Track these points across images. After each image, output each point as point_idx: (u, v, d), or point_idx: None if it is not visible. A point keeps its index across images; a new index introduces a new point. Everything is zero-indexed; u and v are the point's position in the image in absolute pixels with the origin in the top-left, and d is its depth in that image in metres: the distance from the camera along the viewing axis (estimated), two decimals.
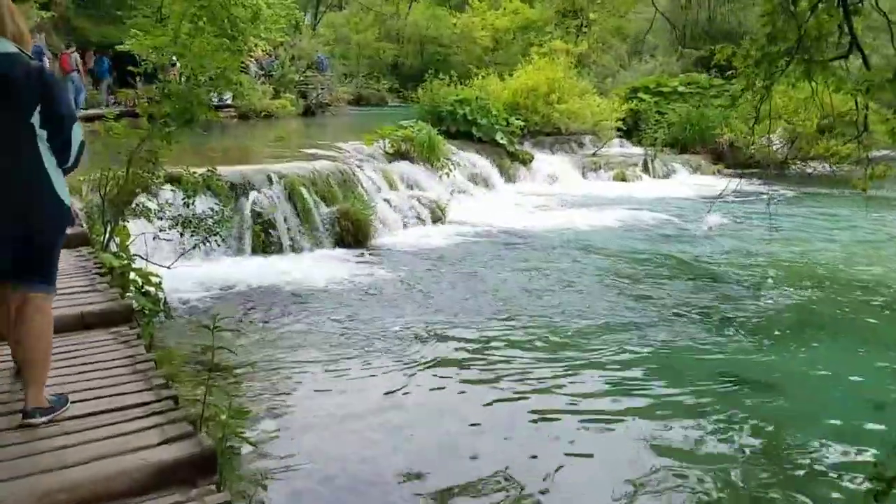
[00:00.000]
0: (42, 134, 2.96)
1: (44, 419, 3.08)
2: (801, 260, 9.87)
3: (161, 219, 7.50)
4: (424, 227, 11.67)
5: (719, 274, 9.14)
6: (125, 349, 4.12)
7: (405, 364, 6.03)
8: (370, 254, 10.08)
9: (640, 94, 20.51)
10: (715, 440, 4.84)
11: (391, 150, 13.99)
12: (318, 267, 9.22)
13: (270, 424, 4.77)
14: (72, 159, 3.09)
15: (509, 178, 16.19)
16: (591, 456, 4.64)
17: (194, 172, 7.96)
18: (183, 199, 7.79)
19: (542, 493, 4.13)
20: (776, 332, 6.96)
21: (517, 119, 17.33)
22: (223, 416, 3.18)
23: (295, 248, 9.88)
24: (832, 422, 5.17)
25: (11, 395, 3.39)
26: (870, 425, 5.14)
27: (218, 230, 7.69)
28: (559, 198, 14.55)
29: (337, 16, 42.55)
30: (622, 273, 9.11)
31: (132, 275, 6.36)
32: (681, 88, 20.68)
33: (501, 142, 16.68)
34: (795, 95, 16.07)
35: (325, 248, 10.19)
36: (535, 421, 5.08)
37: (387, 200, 11.71)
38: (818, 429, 5.01)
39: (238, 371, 5.69)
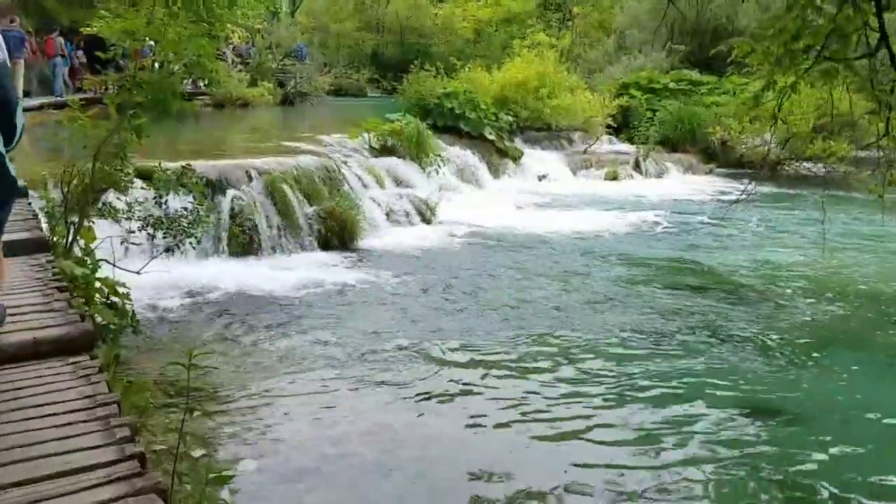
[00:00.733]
0: None
1: None
2: (814, 267, 9.40)
3: (130, 219, 6.81)
4: (414, 227, 11.07)
5: (728, 282, 8.67)
6: (84, 386, 3.46)
7: (398, 387, 5.44)
8: (357, 257, 9.46)
9: (631, 91, 20.05)
10: (732, 476, 4.31)
11: (377, 145, 13.35)
12: (301, 271, 8.58)
13: (252, 470, 4.13)
14: (15, 142, 3.12)
15: (498, 174, 15.63)
16: (591, 492, 4.08)
17: (167, 169, 7.26)
18: (154, 198, 7.09)
19: None
20: (797, 351, 6.46)
21: (507, 114, 16.75)
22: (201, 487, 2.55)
23: (276, 251, 9.22)
24: (862, 456, 4.66)
25: None
26: None
27: (193, 231, 7.01)
28: (551, 196, 14.02)
29: (316, 3, 41.62)
30: (624, 280, 8.60)
31: (97, 284, 5.69)
32: (672, 85, 20.26)
33: (490, 137, 16.10)
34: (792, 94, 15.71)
35: (308, 251, 9.54)
36: (537, 450, 4.56)
37: (374, 199, 11.07)
38: (846, 464, 4.51)
39: (215, 397, 5.06)
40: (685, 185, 15.67)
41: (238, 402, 5.00)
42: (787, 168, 16.86)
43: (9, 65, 3.61)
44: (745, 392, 5.55)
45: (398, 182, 12.27)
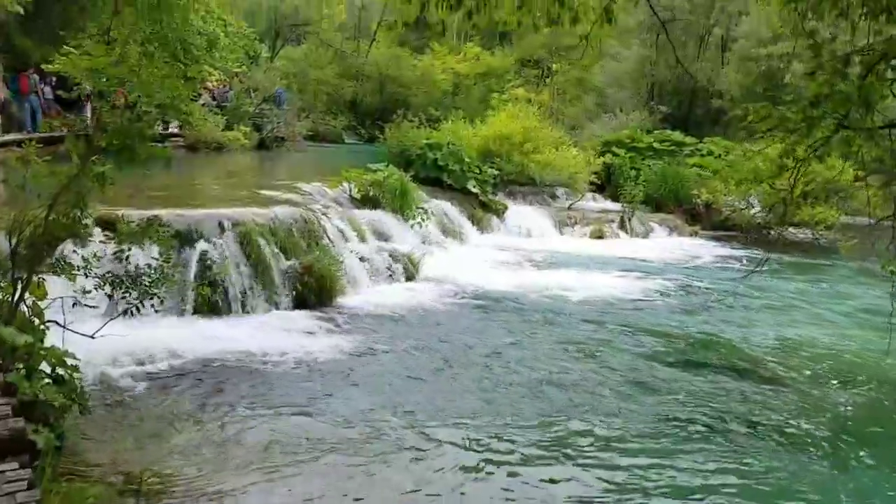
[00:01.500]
0: None
1: None
2: (818, 345, 8.78)
3: (88, 276, 6.04)
4: (396, 285, 10.41)
5: (730, 359, 8.03)
6: None
7: (376, 482, 4.71)
8: (337, 318, 8.74)
9: (614, 149, 19.88)
10: None
11: (359, 195, 12.77)
12: (275, 335, 7.84)
13: None
14: None
15: (482, 229, 15.11)
16: None
17: (130, 221, 6.55)
18: (115, 252, 6.34)
19: None
20: (808, 446, 5.83)
21: (491, 167, 16.34)
22: None
23: (248, 309, 8.48)
24: None
25: None
26: None
27: (156, 292, 6.26)
28: (538, 254, 13.48)
29: (295, 50, 41.55)
30: (628, 354, 7.96)
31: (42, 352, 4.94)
32: (655, 145, 20.14)
33: (474, 190, 15.65)
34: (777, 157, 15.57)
35: (283, 309, 8.81)
36: None
37: (355, 253, 10.41)
38: None
39: (171, 496, 4.27)
40: (674, 247, 15.28)
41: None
42: (772, 233, 16.62)
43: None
44: (776, 495, 4.94)
45: (380, 236, 11.65)
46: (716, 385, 7.09)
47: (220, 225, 8.92)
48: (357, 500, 4.51)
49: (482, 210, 15.59)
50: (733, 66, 21.88)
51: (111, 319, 6.22)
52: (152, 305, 6.41)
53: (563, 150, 17.83)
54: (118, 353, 6.53)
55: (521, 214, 16.15)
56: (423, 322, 8.86)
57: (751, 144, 18.74)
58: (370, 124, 37.92)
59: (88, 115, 11.72)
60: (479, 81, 38.87)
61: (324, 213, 10.96)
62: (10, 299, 5.57)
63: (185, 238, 8.39)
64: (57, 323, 5.76)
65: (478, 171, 15.93)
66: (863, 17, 5.88)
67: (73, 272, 6.00)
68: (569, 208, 17.44)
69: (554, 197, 18.18)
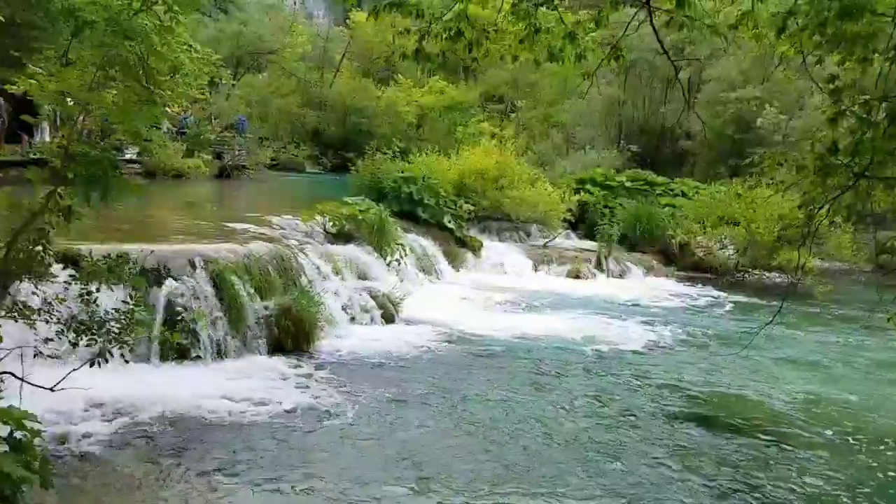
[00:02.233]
0: None
1: None
2: (841, 403, 8.18)
3: (48, 321, 5.36)
4: (375, 326, 9.86)
5: (728, 417, 7.47)
6: None
7: None
8: (314, 364, 8.15)
9: (588, 187, 19.79)
10: None
11: (334, 230, 12.21)
12: (248, 384, 7.22)
13: None
14: None
15: (457, 266, 14.68)
16: None
17: (96, 258, 5.89)
18: (80, 294, 5.66)
19: None
20: None
21: (466, 202, 15.99)
22: None
23: (221, 355, 7.82)
24: None
25: None
26: None
27: (125, 339, 5.60)
28: (517, 294, 13.07)
29: (257, 78, 40.93)
30: (625, 408, 7.50)
31: None
32: (627, 184, 20.15)
33: (449, 225, 15.25)
34: (754, 200, 15.58)
35: (258, 354, 8.18)
36: None
37: (333, 292, 9.83)
38: None
39: None
40: (652, 288, 15.05)
41: None
42: (749, 276, 16.66)
43: None
44: None
45: (358, 273, 11.09)
46: (700, 443, 6.70)
47: (191, 262, 8.27)
48: None
49: (458, 246, 15.18)
50: (701, 108, 22.14)
51: (74, 371, 5.54)
52: (121, 354, 5.77)
53: (539, 187, 17.62)
54: (77, 405, 5.85)
55: (498, 251, 15.79)
56: (404, 369, 8.33)
57: (721, 186, 18.95)
58: (333, 154, 37.47)
59: (47, 139, 10.98)
60: (444, 114, 38.82)
61: (301, 250, 10.37)
62: None
63: (152, 276, 7.70)
64: (13, 374, 5.08)
65: (453, 206, 15.57)
66: (890, 63, 5.69)
67: (32, 318, 5.34)
68: (544, 246, 17.17)
69: (528, 234, 17.91)
